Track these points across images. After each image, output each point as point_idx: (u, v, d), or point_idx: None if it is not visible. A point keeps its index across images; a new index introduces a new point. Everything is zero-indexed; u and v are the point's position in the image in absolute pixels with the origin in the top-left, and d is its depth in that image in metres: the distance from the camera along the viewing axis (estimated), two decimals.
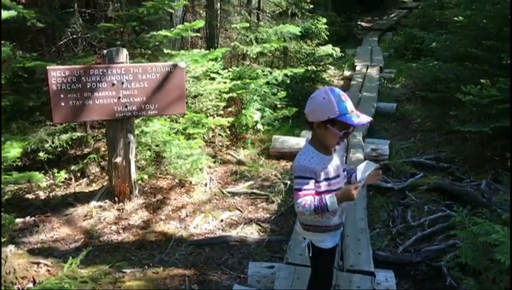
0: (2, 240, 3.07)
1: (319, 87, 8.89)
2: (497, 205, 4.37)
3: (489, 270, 2.89)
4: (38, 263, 3.59)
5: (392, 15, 20.53)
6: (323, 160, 2.38)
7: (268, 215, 4.72)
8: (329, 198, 2.30)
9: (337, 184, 2.43)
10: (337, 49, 9.25)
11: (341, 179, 2.46)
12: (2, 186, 3.24)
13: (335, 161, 2.44)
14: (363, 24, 18.95)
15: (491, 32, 6.01)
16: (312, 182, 2.35)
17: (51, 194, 4.92)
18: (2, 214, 3.06)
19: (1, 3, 3.34)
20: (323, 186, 2.38)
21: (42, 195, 4.90)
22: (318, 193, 2.36)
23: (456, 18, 7.25)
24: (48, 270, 3.56)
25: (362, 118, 2.28)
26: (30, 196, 4.89)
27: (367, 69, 11.15)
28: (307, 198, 2.32)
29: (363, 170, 2.37)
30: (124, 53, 4.33)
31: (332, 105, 2.25)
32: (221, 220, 4.62)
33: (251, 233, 4.42)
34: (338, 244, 2.79)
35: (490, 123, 5.17)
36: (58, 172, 5.07)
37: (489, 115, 5.28)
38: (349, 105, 2.28)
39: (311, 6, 9.50)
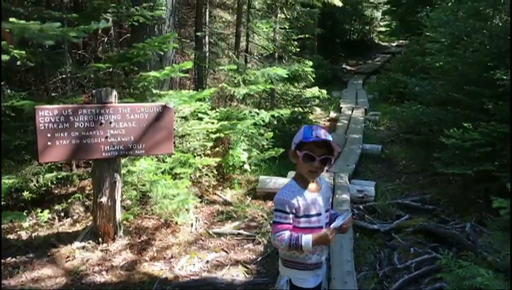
0: None
1: None
2: (482, 248, 4.40)
3: None
4: None
5: (376, 59, 21.13)
6: (305, 196, 2.42)
7: (254, 257, 4.68)
8: (305, 239, 2.34)
9: (317, 222, 2.45)
10: (323, 91, 9.44)
11: (322, 218, 2.48)
12: None
13: (319, 200, 2.47)
14: (348, 67, 19.46)
15: (471, 78, 6.21)
16: (291, 216, 2.39)
17: (33, 234, 4.81)
18: None
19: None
20: (303, 222, 2.41)
21: (24, 235, 4.80)
22: (297, 229, 2.39)
23: (437, 64, 7.49)
24: None
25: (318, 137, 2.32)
26: (11, 236, 4.78)
27: (352, 111, 11.36)
28: (284, 232, 2.37)
29: (341, 219, 2.43)
30: (113, 93, 4.37)
31: (300, 133, 2.38)
32: (207, 262, 4.55)
33: (237, 275, 4.35)
34: (324, 288, 2.77)
35: (473, 166, 5.26)
36: (41, 212, 4.98)
37: (471, 158, 5.39)
38: (316, 132, 2.34)
39: (298, 49, 9.75)
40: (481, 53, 6.10)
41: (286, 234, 2.36)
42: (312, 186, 2.47)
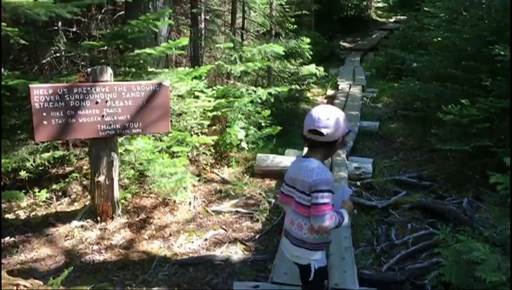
0: None
1: (303, 106, 8.98)
2: (479, 223, 4.43)
3: (472, 288, 2.91)
4: (17, 285, 3.49)
5: (374, 35, 20.91)
6: None
7: (252, 234, 4.70)
8: (345, 215, 2.49)
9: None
10: (321, 68, 9.35)
11: None
12: None
13: None
14: (346, 44, 19.28)
15: (469, 54, 6.15)
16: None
17: (31, 213, 4.83)
18: None
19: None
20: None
21: (22, 215, 4.81)
22: None
23: (436, 40, 7.42)
24: None
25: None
26: (10, 216, 4.79)
27: (350, 88, 11.30)
28: (332, 213, 2.43)
29: (346, 191, 2.58)
30: (108, 72, 4.32)
31: (347, 120, 2.54)
32: (205, 239, 4.58)
33: (236, 252, 4.39)
34: None
35: (470, 142, 5.26)
36: (39, 191, 4.99)
37: (469, 134, 5.38)
38: None
39: (295, 26, 9.63)
40: (480, 28, 6.03)
41: (334, 214, 2.43)
42: None
